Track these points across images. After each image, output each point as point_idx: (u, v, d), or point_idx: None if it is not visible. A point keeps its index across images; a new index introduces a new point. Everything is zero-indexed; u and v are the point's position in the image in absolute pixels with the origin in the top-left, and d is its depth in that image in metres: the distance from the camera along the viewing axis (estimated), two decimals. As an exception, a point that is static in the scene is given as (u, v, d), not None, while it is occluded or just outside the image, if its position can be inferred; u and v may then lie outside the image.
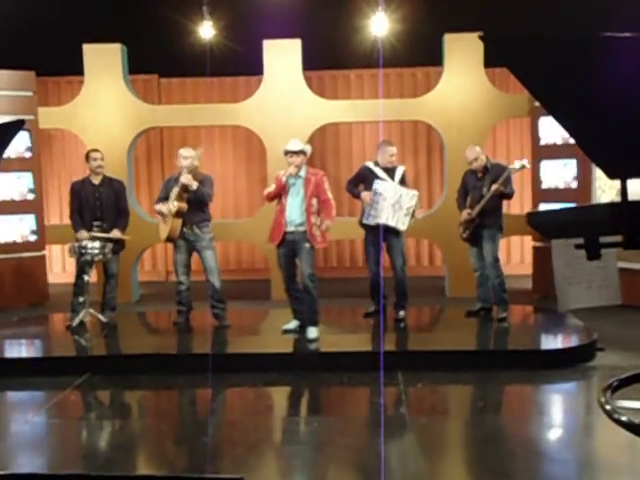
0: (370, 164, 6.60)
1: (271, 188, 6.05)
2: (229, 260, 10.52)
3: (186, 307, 6.56)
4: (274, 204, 6.09)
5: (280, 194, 5.94)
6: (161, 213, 6.35)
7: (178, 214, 6.25)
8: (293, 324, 6.14)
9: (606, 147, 1.62)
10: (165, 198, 6.41)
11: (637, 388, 2.22)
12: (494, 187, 6.21)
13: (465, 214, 6.51)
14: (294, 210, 5.88)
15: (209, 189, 6.37)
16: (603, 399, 1.82)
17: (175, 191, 6.26)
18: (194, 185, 6.18)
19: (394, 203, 6.34)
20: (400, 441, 4.04)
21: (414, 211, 6.37)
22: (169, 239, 6.40)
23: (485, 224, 6.40)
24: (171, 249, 10.12)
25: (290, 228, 5.89)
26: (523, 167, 6.35)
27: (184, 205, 6.24)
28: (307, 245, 5.87)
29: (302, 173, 5.95)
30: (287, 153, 5.93)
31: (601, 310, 6.50)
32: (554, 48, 1.51)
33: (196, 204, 6.29)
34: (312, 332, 5.90)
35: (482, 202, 6.32)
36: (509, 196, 6.42)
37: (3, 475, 1.60)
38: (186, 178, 6.17)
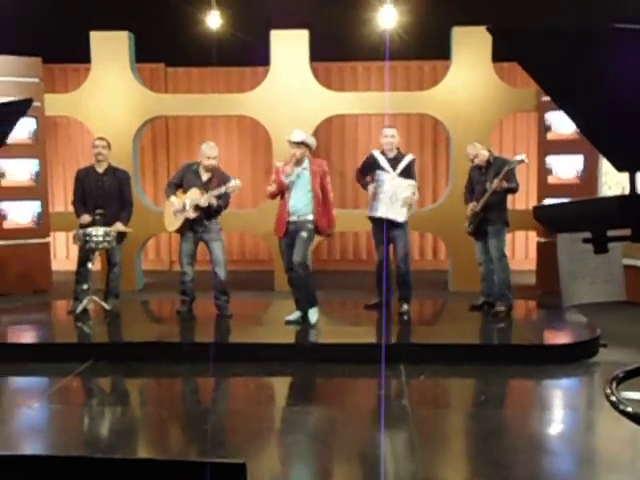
0: (376, 152, 6.59)
1: (272, 187, 6.03)
2: (233, 251, 10.52)
3: (189, 297, 6.56)
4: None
5: (283, 191, 5.96)
6: (173, 206, 6.28)
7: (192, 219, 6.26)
8: (295, 315, 6.13)
9: (615, 140, 1.61)
10: (178, 185, 6.35)
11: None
12: (495, 183, 6.21)
13: (470, 208, 6.50)
14: (299, 201, 5.91)
15: (225, 198, 6.27)
16: (609, 390, 1.82)
17: (194, 197, 6.15)
18: (215, 204, 6.17)
19: (391, 195, 6.34)
20: (401, 433, 4.05)
21: (411, 202, 6.36)
22: (178, 231, 6.39)
23: (489, 218, 6.38)
24: (175, 238, 10.16)
25: (293, 218, 5.91)
26: (522, 162, 6.31)
27: (201, 215, 6.22)
28: (304, 234, 5.89)
29: (306, 165, 5.94)
30: (290, 143, 5.95)
31: (604, 306, 6.50)
32: (563, 40, 1.50)
33: (207, 211, 6.27)
34: (312, 314, 6.02)
35: (485, 196, 6.32)
36: (514, 190, 6.38)
37: (6, 456, 1.60)
38: (206, 200, 6.10)
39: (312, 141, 6.03)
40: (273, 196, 6.10)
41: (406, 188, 6.32)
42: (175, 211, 6.30)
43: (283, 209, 5.97)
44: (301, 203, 5.91)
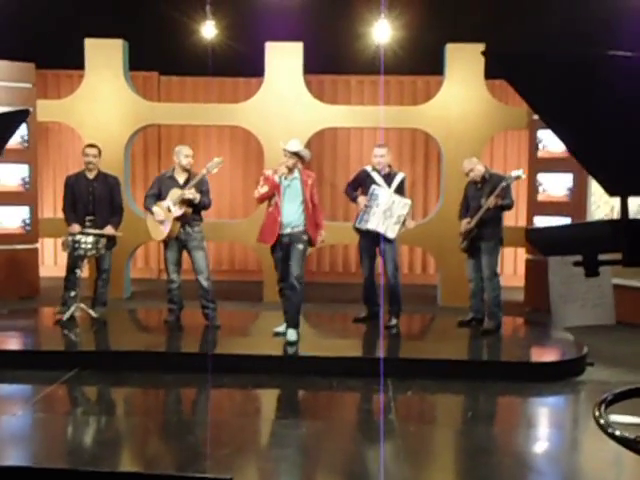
0: (369, 168, 6.62)
1: (263, 189, 5.88)
2: (222, 260, 10.51)
3: (177, 305, 6.54)
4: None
5: (273, 195, 5.88)
6: (157, 215, 6.27)
7: (179, 218, 6.24)
8: (284, 327, 6.06)
9: (606, 164, 1.62)
10: (157, 195, 6.34)
11: (627, 403, 2.23)
12: (490, 200, 6.18)
13: (464, 224, 6.47)
14: (292, 212, 5.86)
15: (207, 197, 6.37)
16: (597, 413, 1.82)
17: (175, 196, 6.19)
18: (197, 198, 6.19)
19: (385, 210, 6.37)
20: (388, 448, 4.03)
21: (405, 220, 6.37)
22: (166, 239, 6.37)
23: (483, 235, 6.35)
24: (164, 247, 10.13)
25: (287, 230, 5.86)
26: (518, 177, 6.33)
27: (189, 210, 6.24)
28: (300, 246, 5.85)
29: (296, 174, 5.92)
30: (284, 151, 5.90)
31: (592, 325, 6.52)
32: (554, 64, 1.51)
33: (196, 207, 6.30)
34: (292, 335, 5.87)
35: (480, 213, 6.28)
36: (508, 207, 6.37)
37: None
38: (191, 193, 6.14)
39: (306, 153, 6.00)
40: (262, 199, 5.95)
41: (403, 206, 6.35)
42: (160, 220, 6.28)
43: (273, 217, 5.87)
44: (294, 214, 5.86)
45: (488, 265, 6.38)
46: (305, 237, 5.89)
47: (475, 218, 6.32)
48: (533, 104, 1.70)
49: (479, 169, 6.44)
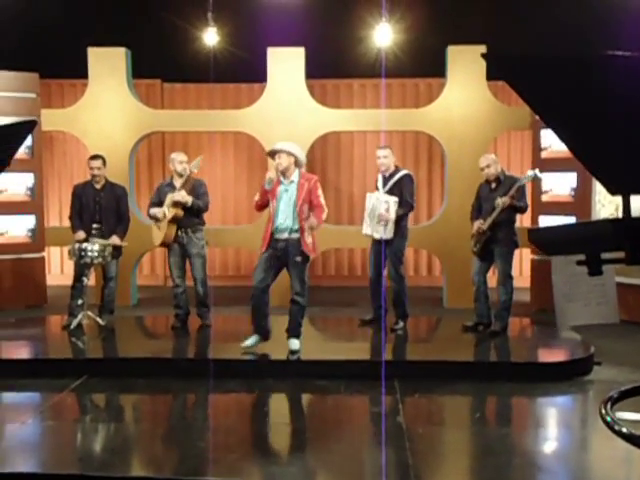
0: (379, 173, 6.66)
1: (256, 197, 5.77)
2: (228, 266, 10.53)
3: (183, 310, 6.60)
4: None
5: (268, 201, 5.64)
6: (155, 218, 6.40)
7: (173, 220, 6.33)
8: (254, 339, 5.73)
9: (607, 163, 1.63)
10: (158, 204, 6.48)
11: (635, 401, 2.23)
12: (503, 199, 6.01)
13: (477, 226, 6.30)
14: (285, 217, 5.57)
15: (203, 199, 6.45)
16: (604, 411, 1.83)
17: (169, 199, 6.32)
18: (189, 201, 6.28)
19: (370, 212, 6.43)
20: (396, 450, 4.04)
21: (387, 217, 6.26)
22: (163, 244, 6.46)
23: (497, 238, 6.19)
24: (170, 253, 10.15)
25: (282, 235, 5.57)
26: (534, 178, 6.22)
27: (180, 212, 6.33)
28: (299, 258, 5.56)
29: (295, 178, 5.64)
30: (273, 154, 5.65)
31: (599, 324, 6.51)
32: (554, 65, 1.52)
33: (190, 210, 6.37)
34: (295, 344, 5.71)
35: (493, 215, 6.12)
36: (522, 210, 6.19)
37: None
38: (180, 195, 6.25)
39: (299, 153, 5.67)
40: (258, 206, 5.79)
41: (381, 205, 6.31)
42: (158, 221, 6.42)
43: (268, 223, 5.66)
44: (288, 219, 5.56)
45: (502, 270, 6.26)
46: (301, 248, 5.54)
47: (488, 220, 6.18)
48: (533, 105, 1.71)
49: (496, 168, 6.26)
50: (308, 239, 5.56)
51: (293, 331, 5.76)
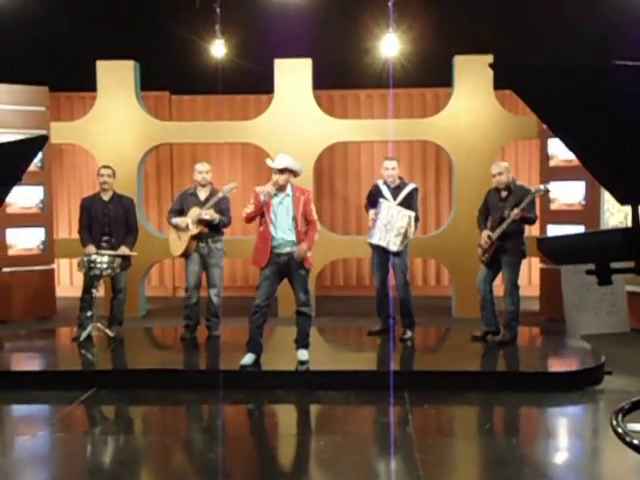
0: (380, 182, 6.64)
1: (249, 209, 5.61)
2: (236, 277, 10.54)
3: (193, 321, 6.62)
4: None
5: (261, 214, 5.59)
6: (178, 227, 6.42)
7: (195, 237, 6.40)
8: (250, 358, 5.65)
9: (617, 173, 1.63)
10: (179, 211, 6.53)
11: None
12: (515, 211, 5.99)
13: (485, 236, 6.28)
14: (283, 231, 5.55)
15: (227, 215, 6.56)
16: (615, 422, 1.82)
17: (195, 214, 6.35)
18: (216, 220, 6.36)
19: (386, 223, 6.38)
20: (406, 461, 4.02)
21: (406, 231, 6.28)
22: (182, 255, 6.50)
23: (506, 248, 6.19)
24: (178, 264, 10.17)
25: (283, 250, 5.55)
26: (547, 191, 6.24)
27: (205, 230, 6.42)
28: (302, 271, 5.60)
29: (289, 191, 5.62)
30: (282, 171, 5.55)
31: (609, 333, 6.47)
32: (562, 75, 1.53)
33: (214, 225, 6.47)
34: (304, 354, 5.69)
35: (503, 225, 6.11)
36: (532, 221, 6.20)
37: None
38: (209, 214, 6.32)
39: (297, 167, 5.65)
40: (249, 219, 5.66)
41: (402, 218, 6.30)
42: (179, 230, 6.45)
43: (264, 238, 5.57)
44: (286, 233, 5.55)
45: (509, 279, 6.25)
46: (303, 261, 5.59)
47: (498, 230, 6.16)
48: (541, 114, 1.71)
49: (508, 176, 6.24)
50: (308, 254, 5.62)
51: (302, 342, 5.76)
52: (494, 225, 6.26)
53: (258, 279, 5.75)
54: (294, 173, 5.63)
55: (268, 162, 5.69)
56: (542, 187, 6.23)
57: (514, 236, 6.18)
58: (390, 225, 6.35)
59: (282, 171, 5.54)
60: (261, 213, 5.59)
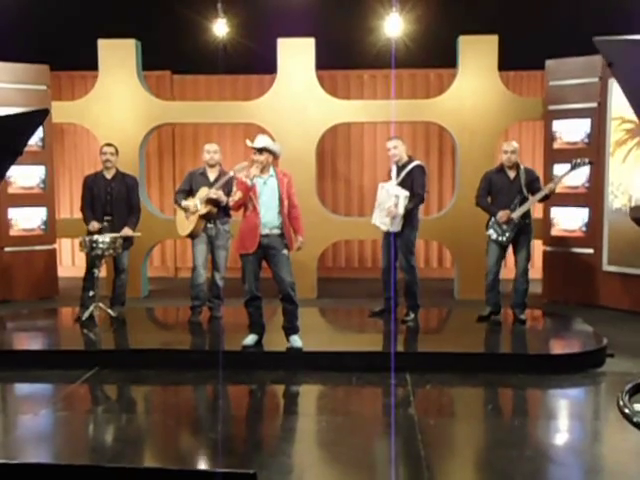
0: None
1: (237, 196, 5.49)
2: (236, 258, 10.50)
3: (201, 301, 6.62)
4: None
5: (249, 198, 5.47)
6: (187, 209, 6.38)
7: (205, 216, 6.36)
8: (252, 339, 5.71)
9: None
10: (188, 191, 6.50)
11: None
12: (549, 186, 6.17)
13: (504, 216, 6.23)
14: (270, 211, 5.48)
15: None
16: (621, 402, 1.81)
17: (204, 193, 6.31)
18: (224, 201, 6.27)
19: (380, 204, 6.41)
20: (408, 442, 4.03)
21: (392, 212, 6.20)
22: (190, 235, 6.48)
23: (525, 228, 6.29)
24: (180, 245, 10.17)
25: (265, 231, 5.47)
26: (591, 163, 6.40)
27: (214, 210, 6.36)
28: (285, 252, 5.51)
29: (272, 172, 5.57)
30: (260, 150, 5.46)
31: (611, 316, 6.48)
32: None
33: (217, 206, 6.41)
34: (297, 340, 5.63)
35: (528, 203, 6.21)
36: (547, 198, 6.40)
37: (11, 464, 1.60)
38: (217, 195, 6.26)
39: (277, 148, 5.57)
40: (238, 206, 5.58)
41: (389, 198, 6.27)
42: (188, 212, 6.40)
43: (252, 222, 5.47)
44: (272, 214, 5.48)
45: (527, 257, 6.38)
46: (285, 242, 5.53)
47: (522, 208, 6.20)
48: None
49: (516, 156, 6.36)
50: (289, 232, 5.57)
51: (293, 329, 5.67)
52: (508, 205, 6.24)
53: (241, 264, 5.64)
54: (274, 154, 5.56)
55: (247, 142, 5.61)
56: (584, 160, 6.24)
57: (529, 215, 6.32)
58: (382, 206, 6.36)
59: (261, 151, 5.46)
60: (248, 198, 5.49)
